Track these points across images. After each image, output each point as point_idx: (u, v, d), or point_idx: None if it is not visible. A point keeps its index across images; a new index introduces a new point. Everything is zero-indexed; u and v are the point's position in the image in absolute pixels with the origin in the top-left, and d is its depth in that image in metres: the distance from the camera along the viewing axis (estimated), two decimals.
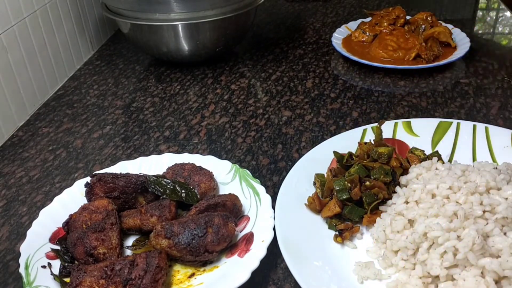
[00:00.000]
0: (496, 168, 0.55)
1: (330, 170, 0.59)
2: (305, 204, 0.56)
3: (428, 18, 0.99)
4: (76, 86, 0.92)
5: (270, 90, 0.87)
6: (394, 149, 0.60)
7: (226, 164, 0.63)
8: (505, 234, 0.47)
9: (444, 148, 0.65)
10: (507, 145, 0.64)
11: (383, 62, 0.90)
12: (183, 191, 0.57)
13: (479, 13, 1.24)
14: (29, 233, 0.54)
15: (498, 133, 0.66)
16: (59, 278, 0.50)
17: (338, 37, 1.00)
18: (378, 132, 0.62)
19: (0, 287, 0.52)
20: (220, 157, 0.66)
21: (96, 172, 0.59)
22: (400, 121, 0.69)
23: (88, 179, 0.59)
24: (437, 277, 0.48)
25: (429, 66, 0.87)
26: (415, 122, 0.69)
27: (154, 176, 0.59)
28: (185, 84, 0.91)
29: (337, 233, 0.54)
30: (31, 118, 0.82)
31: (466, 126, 0.67)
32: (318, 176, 0.59)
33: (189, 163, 0.62)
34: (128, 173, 0.59)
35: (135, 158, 0.66)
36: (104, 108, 0.84)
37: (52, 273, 0.50)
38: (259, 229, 0.54)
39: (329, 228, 0.55)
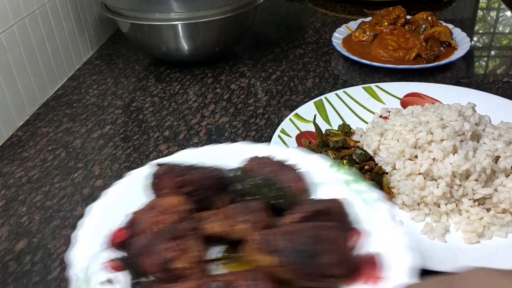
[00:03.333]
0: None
1: None
2: None
3: (429, 18, 0.99)
4: (75, 86, 0.92)
5: (270, 89, 0.87)
6: (342, 133, 0.67)
7: (319, 160, 0.50)
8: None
9: (336, 121, 0.72)
10: (368, 97, 0.76)
11: (384, 62, 0.90)
12: (275, 191, 0.45)
13: (480, 12, 1.24)
14: (76, 236, 0.42)
15: (355, 91, 0.77)
16: None
17: (338, 37, 1.00)
18: (317, 127, 0.66)
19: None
20: None
21: (160, 160, 0.48)
22: (290, 116, 0.71)
23: (149, 168, 0.47)
24: (482, 198, 0.56)
25: (429, 66, 0.87)
26: (301, 111, 0.73)
27: (238, 169, 0.46)
28: (184, 84, 0.91)
29: None
30: (30, 118, 0.82)
31: (332, 96, 0.76)
32: None
33: (270, 156, 0.49)
34: (204, 164, 0.47)
35: (135, 158, 0.66)
36: (104, 108, 0.84)
37: None
38: (386, 248, 0.40)
39: None
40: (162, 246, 0.38)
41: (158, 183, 0.45)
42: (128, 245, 0.40)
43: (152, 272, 0.38)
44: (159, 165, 0.46)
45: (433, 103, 0.72)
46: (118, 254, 0.40)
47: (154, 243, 0.38)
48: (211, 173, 0.45)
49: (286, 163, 0.48)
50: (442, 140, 0.58)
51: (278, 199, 0.44)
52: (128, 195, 0.46)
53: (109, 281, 0.37)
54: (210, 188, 0.45)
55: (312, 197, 0.46)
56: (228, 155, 0.50)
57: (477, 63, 0.94)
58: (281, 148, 0.53)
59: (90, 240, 0.41)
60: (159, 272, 0.37)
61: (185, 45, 0.90)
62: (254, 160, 0.48)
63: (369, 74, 0.89)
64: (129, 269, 0.39)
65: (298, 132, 0.69)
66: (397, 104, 0.75)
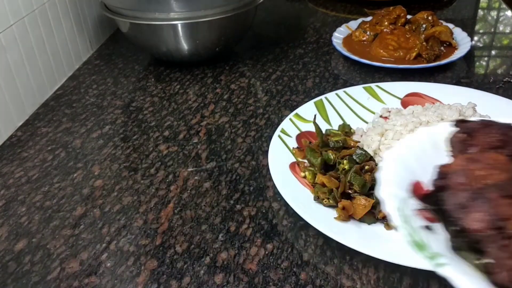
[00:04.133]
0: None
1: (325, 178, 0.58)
2: (335, 218, 0.54)
3: (429, 18, 0.99)
4: (75, 85, 0.92)
5: (270, 89, 0.87)
6: (342, 133, 0.67)
7: None
8: None
9: (336, 121, 0.72)
10: (368, 97, 0.76)
11: (384, 62, 0.90)
12: None
13: (480, 12, 1.24)
14: (385, 176, 0.41)
15: (355, 91, 0.77)
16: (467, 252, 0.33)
17: (338, 37, 1.00)
18: (317, 127, 0.66)
19: None
20: (220, 157, 0.66)
21: (461, 118, 0.44)
22: (290, 116, 0.71)
23: (446, 125, 0.43)
24: None
25: (430, 65, 0.87)
26: (301, 111, 0.73)
27: None
28: (184, 84, 0.90)
29: (384, 222, 0.53)
30: (30, 118, 0.82)
31: (332, 96, 0.76)
32: (319, 189, 0.58)
33: None
34: None
35: (134, 158, 0.65)
36: (103, 108, 0.84)
37: (462, 243, 0.33)
38: None
39: (370, 223, 0.54)
40: (495, 203, 0.33)
41: (469, 139, 0.41)
42: (439, 198, 0.37)
43: (477, 229, 0.33)
44: (462, 121, 0.42)
45: (433, 103, 0.72)
46: (424, 205, 0.38)
47: (481, 198, 0.34)
48: None
49: None
50: None
51: None
52: (424, 148, 0.44)
53: (429, 228, 0.35)
54: None
55: None
56: None
57: (477, 63, 0.93)
58: None
59: (394, 184, 0.40)
60: (487, 229, 0.33)
61: (185, 45, 0.90)
62: None
63: (370, 74, 0.89)
64: (445, 222, 0.35)
65: (298, 132, 0.69)
66: (397, 104, 0.75)
